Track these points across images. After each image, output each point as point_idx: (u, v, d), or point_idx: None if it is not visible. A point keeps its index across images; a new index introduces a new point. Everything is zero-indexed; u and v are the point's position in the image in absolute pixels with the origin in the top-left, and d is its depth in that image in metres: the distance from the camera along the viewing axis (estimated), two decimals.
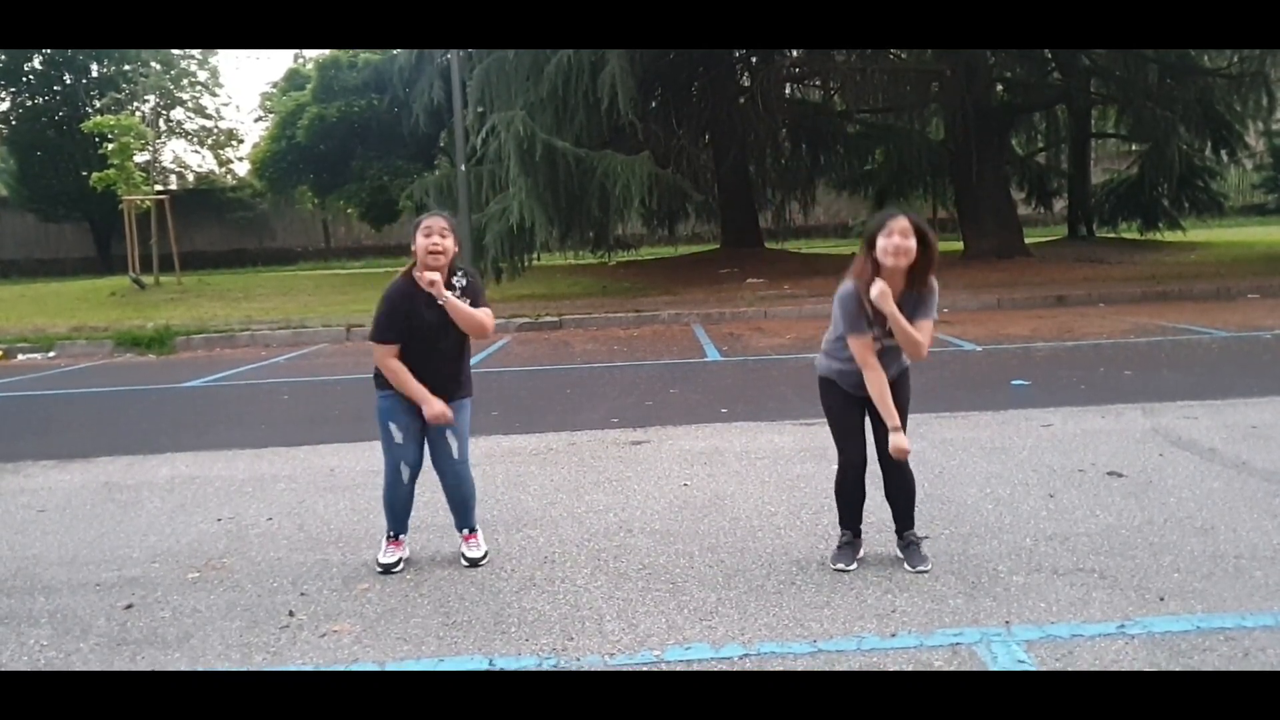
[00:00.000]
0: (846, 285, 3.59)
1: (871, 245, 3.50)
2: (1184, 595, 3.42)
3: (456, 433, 4.01)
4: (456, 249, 3.90)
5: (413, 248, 3.87)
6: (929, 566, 3.75)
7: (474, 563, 4.05)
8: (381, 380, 3.97)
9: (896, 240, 3.42)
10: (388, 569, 4.02)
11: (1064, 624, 3.21)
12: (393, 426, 3.98)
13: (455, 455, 4.02)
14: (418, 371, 3.88)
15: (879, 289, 3.43)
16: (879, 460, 3.79)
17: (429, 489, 5.25)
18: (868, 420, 3.81)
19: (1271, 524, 4.13)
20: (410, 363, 3.88)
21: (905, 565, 3.79)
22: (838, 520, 3.95)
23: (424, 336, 3.88)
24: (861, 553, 3.92)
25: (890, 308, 3.43)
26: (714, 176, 23.25)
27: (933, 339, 3.69)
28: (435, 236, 3.81)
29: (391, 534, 4.13)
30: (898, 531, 3.89)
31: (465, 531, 4.17)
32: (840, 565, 3.80)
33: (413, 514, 4.80)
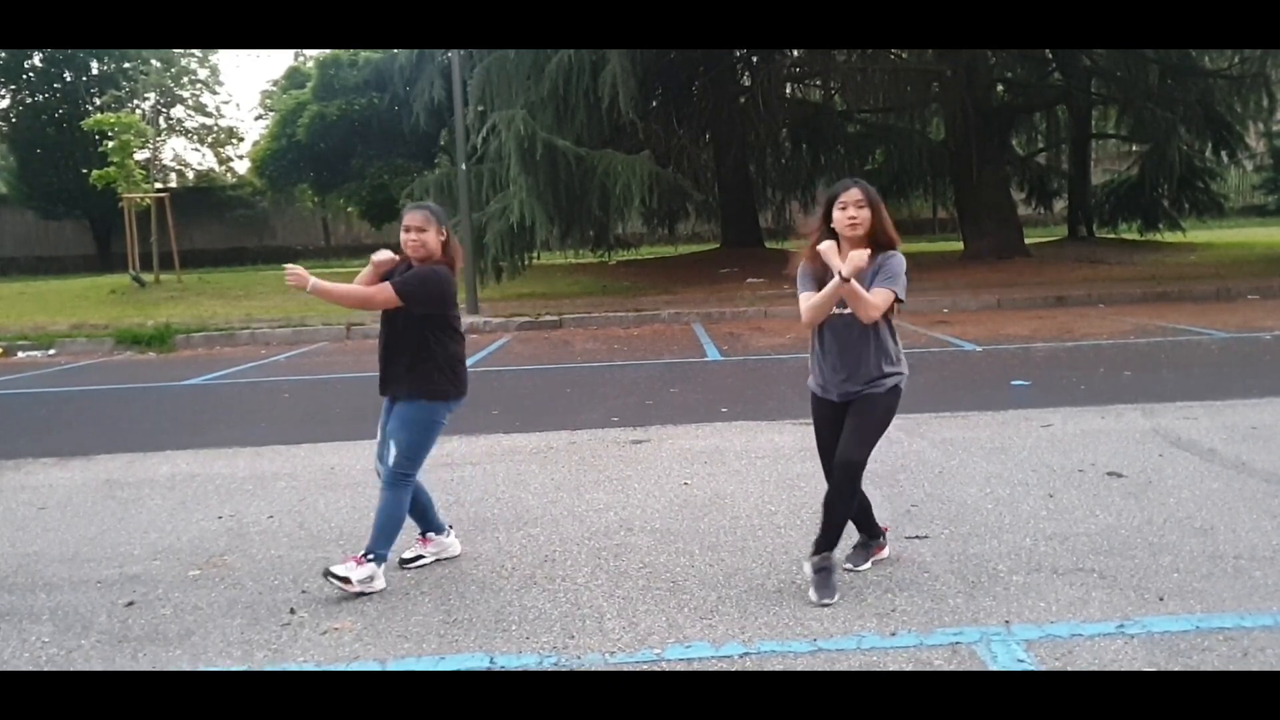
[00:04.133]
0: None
1: (827, 217, 3.53)
2: (1183, 595, 3.43)
3: (396, 440, 3.80)
4: (444, 237, 3.87)
5: None
6: (831, 600, 3.46)
7: (412, 560, 4.01)
8: None
9: (851, 212, 3.46)
10: (403, 563, 4.02)
11: (1063, 623, 3.22)
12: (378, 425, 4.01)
13: (389, 461, 3.81)
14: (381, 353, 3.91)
15: (826, 245, 3.46)
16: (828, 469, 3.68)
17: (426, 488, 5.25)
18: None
19: (1271, 524, 4.13)
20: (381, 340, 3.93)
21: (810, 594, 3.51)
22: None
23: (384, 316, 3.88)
24: (885, 553, 3.88)
25: (835, 262, 3.40)
26: (714, 176, 23.27)
27: (894, 310, 3.54)
28: (412, 233, 3.82)
29: (420, 532, 4.12)
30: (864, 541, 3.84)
31: (358, 555, 3.77)
32: (849, 565, 3.79)
33: None
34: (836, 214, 3.48)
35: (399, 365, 3.82)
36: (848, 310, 3.48)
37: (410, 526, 4.34)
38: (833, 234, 3.52)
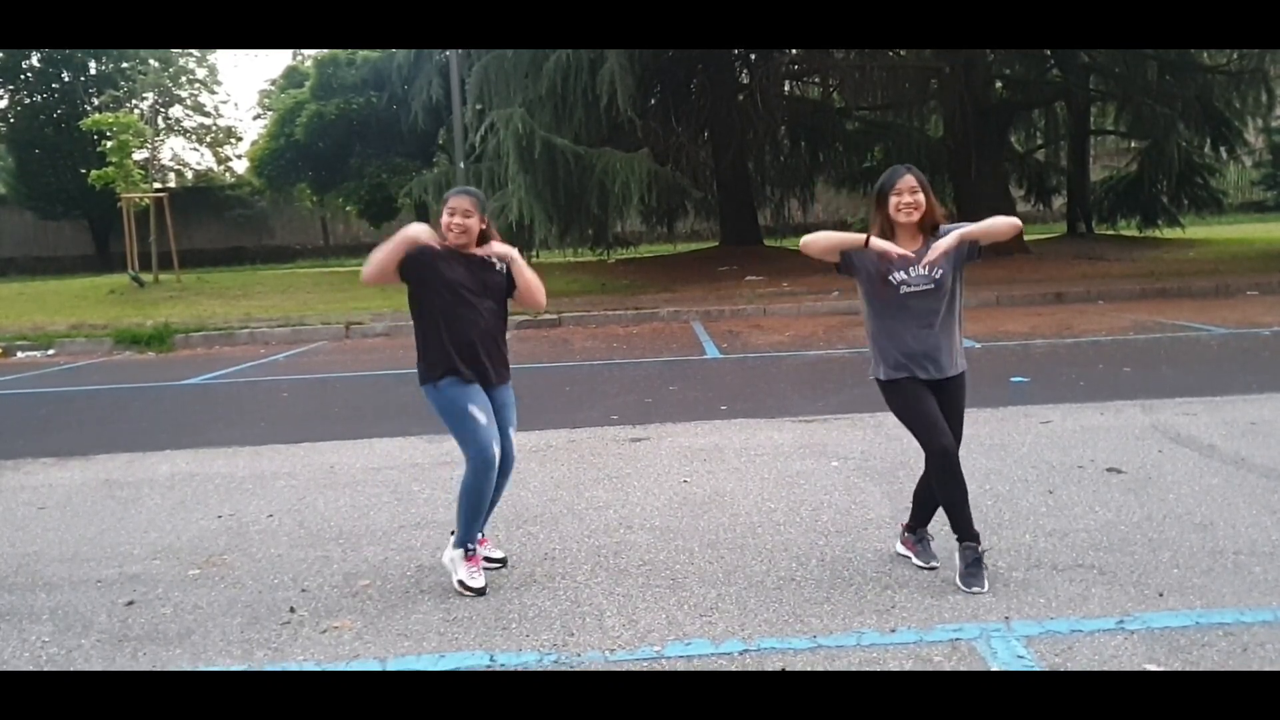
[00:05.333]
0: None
1: (882, 204, 3.57)
2: (1183, 591, 3.43)
3: (513, 424, 3.91)
4: (484, 226, 3.77)
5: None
6: (983, 589, 3.51)
7: (503, 562, 3.95)
8: (432, 370, 3.73)
9: (907, 199, 3.50)
10: (481, 592, 3.67)
11: (1063, 619, 3.22)
12: (473, 408, 3.69)
13: (513, 447, 3.90)
14: (457, 340, 3.68)
15: (881, 246, 3.49)
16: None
17: (427, 486, 5.25)
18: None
19: (1270, 520, 4.13)
20: (445, 331, 3.69)
21: (915, 560, 3.73)
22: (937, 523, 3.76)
23: (453, 294, 3.69)
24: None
25: (888, 247, 3.47)
26: (713, 174, 23.25)
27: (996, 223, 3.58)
28: (458, 217, 3.69)
29: (470, 548, 3.74)
30: (910, 528, 3.82)
31: (480, 535, 3.88)
32: (976, 588, 3.48)
33: (413, 510, 4.84)
34: (894, 199, 3.51)
35: (501, 350, 3.85)
36: (922, 288, 3.52)
37: (413, 525, 4.36)
38: (889, 224, 3.55)
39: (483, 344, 3.75)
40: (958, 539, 3.57)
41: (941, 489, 3.59)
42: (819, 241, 3.61)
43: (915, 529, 3.83)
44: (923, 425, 3.57)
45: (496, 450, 3.71)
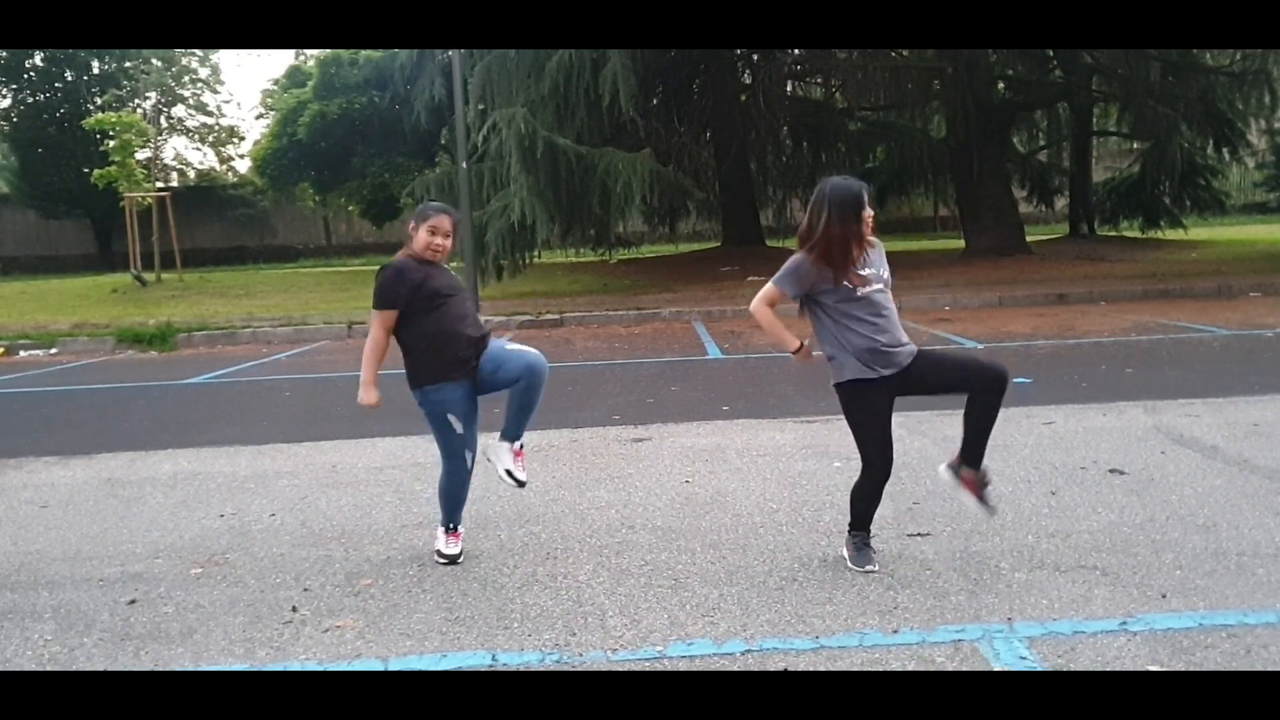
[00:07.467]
0: (800, 255, 3.74)
1: (852, 219, 3.63)
2: (1186, 592, 3.43)
3: (504, 344, 4.14)
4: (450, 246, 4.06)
5: (409, 229, 4.00)
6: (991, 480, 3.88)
7: (520, 484, 4.13)
8: (420, 377, 3.96)
9: (867, 217, 3.66)
10: (453, 560, 4.02)
11: (1066, 621, 3.22)
12: (452, 417, 3.98)
13: (530, 349, 4.14)
14: (453, 338, 3.92)
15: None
16: (970, 382, 3.90)
17: (429, 485, 5.26)
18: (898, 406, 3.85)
19: (1273, 521, 4.13)
20: (444, 329, 3.91)
21: (849, 564, 3.75)
22: (850, 523, 3.84)
23: (445, 300, 3.94)
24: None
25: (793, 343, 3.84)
26: (715, 174, 23.24)
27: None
28: (439, 238, 3.95)
29: (451, 526, 4.11)
30: (853, 528, 3.83)
31: (517, 446, 4.17)
32: (870, 567, 3.71)
33: (415, 509, 4.85)
34: (868, 220, 3.64)
35: (480, 336, 4.04)
36: (877, 286, 3.71)
37: (415, 524, 4.36)
38: (856, 238, 3.64)
39: (471, 333, 4.00)
40: (851, 527, 3.84)
41: (864, 497, 3.80)
42: (765, 319, 3.92)
43: (855, 531, 3.82)
44: (867, 442, 3.76)
45: (470, 457, 4.06)
